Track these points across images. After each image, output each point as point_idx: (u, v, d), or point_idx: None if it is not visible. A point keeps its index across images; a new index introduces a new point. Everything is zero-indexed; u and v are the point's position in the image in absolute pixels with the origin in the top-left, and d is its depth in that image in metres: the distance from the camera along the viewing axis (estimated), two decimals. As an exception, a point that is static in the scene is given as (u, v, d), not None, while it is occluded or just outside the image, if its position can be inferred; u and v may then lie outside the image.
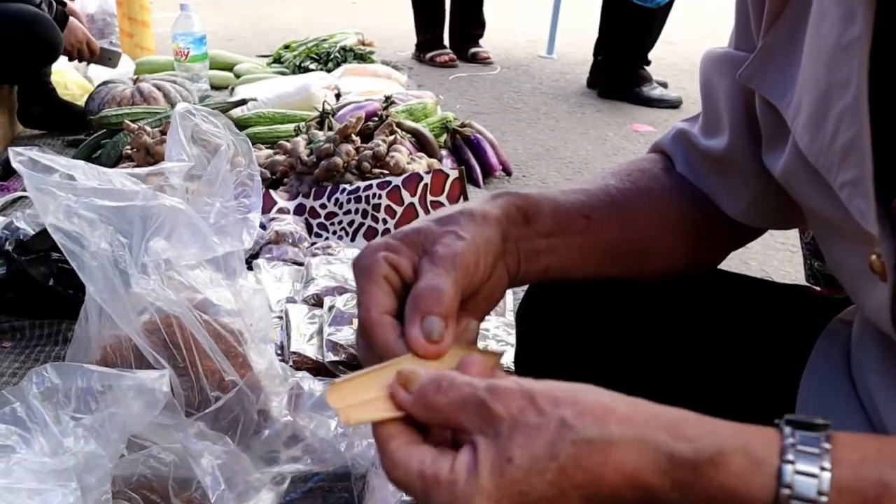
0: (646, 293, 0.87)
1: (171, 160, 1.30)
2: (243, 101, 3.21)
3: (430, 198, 2.36)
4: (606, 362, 0.89)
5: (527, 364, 0.94)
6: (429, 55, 4.93)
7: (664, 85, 4.39)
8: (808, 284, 1.72)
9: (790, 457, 0.48)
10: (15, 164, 1.10)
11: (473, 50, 5.03)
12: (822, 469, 0.47)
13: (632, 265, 0.80)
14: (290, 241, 2.25)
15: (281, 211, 2.40)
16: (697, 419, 0.50)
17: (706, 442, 0.48)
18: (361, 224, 2.35)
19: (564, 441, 0.48)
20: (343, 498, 1.08)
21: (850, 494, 0.47)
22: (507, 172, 3.07)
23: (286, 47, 4.35)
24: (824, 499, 0.47)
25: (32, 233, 1.91)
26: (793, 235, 2.47)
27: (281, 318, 1.83)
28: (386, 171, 2.50)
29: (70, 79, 3.55)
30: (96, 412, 1.12)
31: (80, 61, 3.31)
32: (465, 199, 2.37)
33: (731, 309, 0.89)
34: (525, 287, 0.90)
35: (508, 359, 1.46)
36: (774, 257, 2.54)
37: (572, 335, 0.89)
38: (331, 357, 1.69)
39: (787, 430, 0.50)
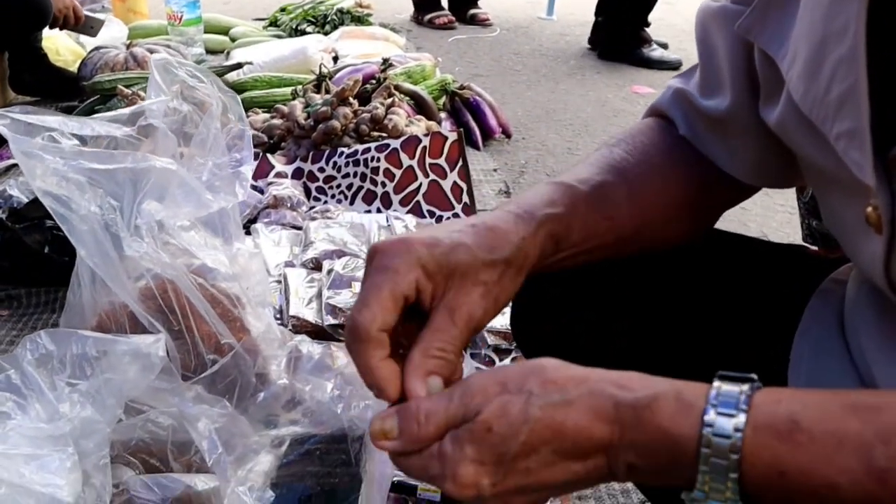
0: (643, 257, 0.85)
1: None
2: (239, 65, 3.18)
3: (428, 160, 2.33)
4: (605, 330, 0.88)
5: (526, 339, 0.94)
6: (427, 17, 4.86)
7: (664, 46, 4.33)
8: (803, 244, 1.71)
9: (714, 401, 0.53)
10: (0, 129, 1.08)
11: (472, 11, 4.97)
12: (740, 410, 0.52)
13: (641, 246, 0.80)
14: (289, 205, 2.24)
15: (279, 175, 2.38)
16: (642, 376, 0.57)
17: (645, 391, 0.55)
18: (360, 187, 2.33)
19: (533, 407, 0.55)
20: (340, 459, 1.07)
21: (764, 430, 0.52)
22: (507, 135, 3.04)
23: (282, 10, 4.28)
24: (739, 434, 0.52)
25: (26, 200, 1.89)
26: (791, 197, 2.44)
27: (279, 282, 1.82)
28: (384, 134, 2.48)
29: (62, 44, 3.50)
30: (92, 378, 1.11)
31: (61, 28, 3.25)
32: (464, 161, 2.35)
33: (727, 269, 0.88)
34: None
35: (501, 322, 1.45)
36: (773, 219, 2.52)
37: (570, 306, 0.88)
38: (330, 320, 1.68)
39: (717, 381, 0.55)
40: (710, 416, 0.53)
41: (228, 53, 3.62)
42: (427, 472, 0.57)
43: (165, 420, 1.18)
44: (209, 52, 3.85)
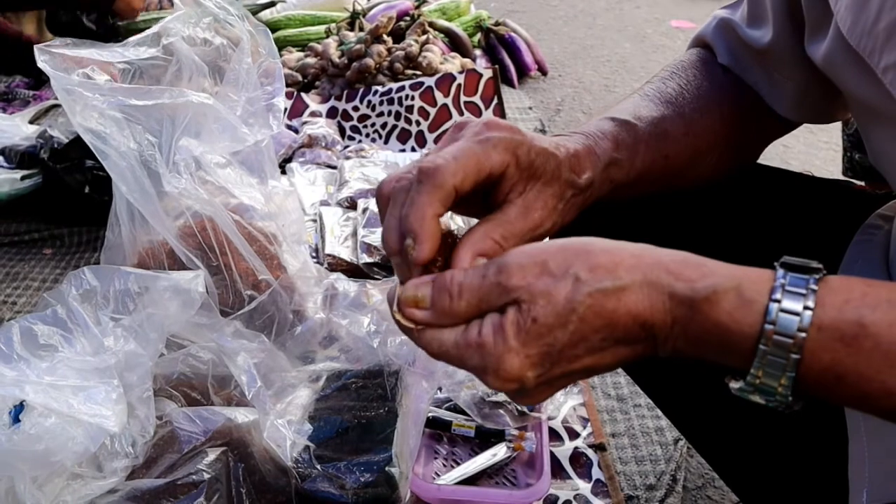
0: (684, 193, 0.85)
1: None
2: (272, 3, 3.15)
3: (463, 98, 2.31)
4: None
5: None
6: (462, -48, 4.76)
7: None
8: (848, 179, 1.67)
9: (778, 296, 0.51)
10: (41, 64, 1.08)
11: (508, -55, 4.85)
12: (806, 308, 0.50)
13: (687, 182, 0.79)
14: (323, 144, 2.24)
15: (313, 114, 2.38)
16: (699, 262, 0.54)
17: (703, 283, 0.52)
18: (395, 126, 2.32)
19: (581, 294, 0.53)
20: (377, 393, 1.09)
21: (828, 332, 0.50)
22: (543, 72, 2.99)
23: (315, -54, 4.22)
24: (803, 335, 0.50)
25: (66, 141, 1.91)
26: (836, 134, 2.39)
27: (315, 220, 1.84)
28: (418, 72, 2.46)
29: (98, -16, 3.49)
30: (134, 313, 1.13)
31: None
32: (500, 99, 2.32)
33: (771, 204, 0.87)
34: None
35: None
36: (816, 156, 2.47)
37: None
38: (365, 258, 1.69)
39: (780, 272, 0.53)
40: (773, 313, 0.51)
41: (262, -9, 3.59)
42: (464, 361, 0.55)
43: (206, 354, 1.20)
44: (242, -10, 3.82)
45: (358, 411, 1.07)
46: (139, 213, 1.23)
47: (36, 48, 1.13)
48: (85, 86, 1.16)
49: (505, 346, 0.53)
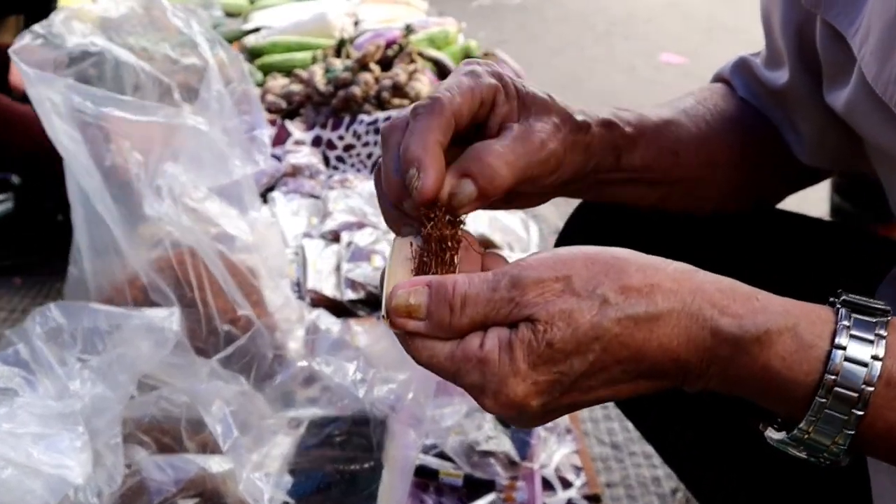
0: (699, 231, 0.80)
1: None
2: (257, 29, 3.10)
3: (451, 129, 2.27)
4: None
5: None
6: (450, -19, 4.75)
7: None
8: (866, 226, 1.65)
9: (842, 341, 0.46)
10: (17, 64, 1.01)
11: (496, -24, 4.85)
12: (874, 358, 0.45)
13: (698, 200, 0.75)
14: (307, 173, 2.19)
15: (297, 143, 2.33)
16: (747, 294, 0.48)
17: (754, 320, 0.46)
18: (380, 156, 2.26)
19: (608, 319, 0.46)
20: (361, 444, 1.02)
21: None
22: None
23: (302, -27, 4.19)
24: (870, 389, 0.44)
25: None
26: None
27: (297, 253, 1.77)
28: (406, 102, 2.41)
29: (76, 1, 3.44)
30: (103, 353, 1.06)
31: None
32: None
33: (789, 249, 0.83)
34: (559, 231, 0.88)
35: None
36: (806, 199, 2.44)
37: None
38: (349, 295, 1.63)
39: (843, 311, 0.47)
40: (836, 361, 0.45)
41: (247, 16, 3.54)
42: (459, 376, 0.48)
43: (179, 397, 1.13)
44: (228, 14, 3.77)
45: (341, 464, 1.00)
46: (105, 244, 1.16)
47: (11, 51, 1.07)
48: (75, 89, 1.10)
49: (511, 368, 0.47)
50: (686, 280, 0.48)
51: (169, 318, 1.12)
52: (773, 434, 0.49)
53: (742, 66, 0.79)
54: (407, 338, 0.50)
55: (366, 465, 1.00)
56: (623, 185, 0.68)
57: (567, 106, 0.61)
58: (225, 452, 1.00)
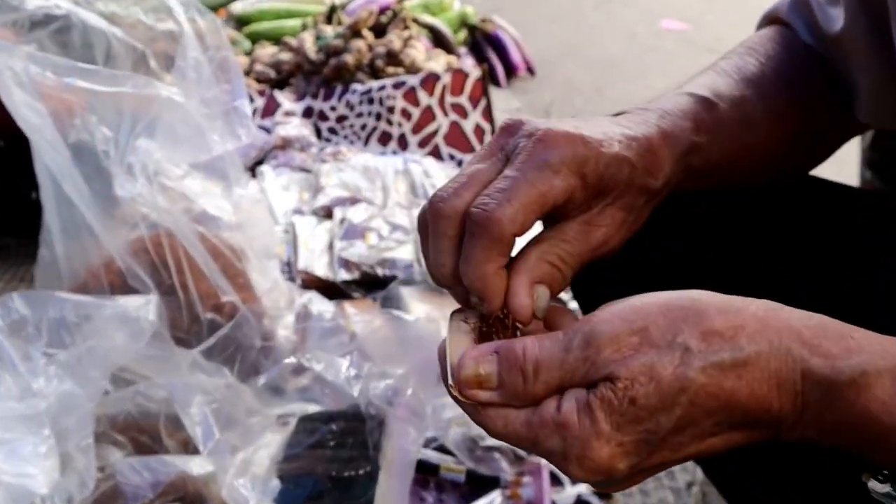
0: (735, 207, 0.71)
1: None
2: (245, -5, 2.99)
3: (449, 99, 2.17)
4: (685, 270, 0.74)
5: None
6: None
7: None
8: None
9: None
10: None
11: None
12: None
13: (756, 175, 0.67)
14: (298, 146, 2.09)
15: (287, 114, 2.24)
16: (840, 331, 0.44)
17: (848, 361, 0.43)
18: (374, 128, 2.17)
19: (692, 369, 0.43)
20: (357, 445, 0.93)
21: None
22: (531, 72, 2.85)
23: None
24: None
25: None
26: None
27: (287, 231, 1.68)
28: (401, 70, 2.33)
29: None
30: (72, 346, 0.97)
31: None
32: (488, 101, 2.18)
33: (826, 218, 0.74)
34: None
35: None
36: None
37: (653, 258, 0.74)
38: (343, 275, 1.54)
39: None
40: None
41: (235, -18, 3.42)
42: (539, 443, 0.45)
43: (157, 392, 1.04)
44: (214, -19, 3.64)
45: (335, 469, 0.91)
46: (77, 225, 1.07)
47: None
48: (35, 59, 0.99)
49: (593, 430, 0.43)
50: (772, 319, 0.44)
51: (145, 306, 1.03)
52: (877, 486, 0.44)
53: (801, 4, 0.70)
54: (479, 408, 0.47)
55: (361, 472, 0.91)
56: (683, 185, 0.61)
57: (651, 150, 0.55)
58: (205, 456, 0.91)
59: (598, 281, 0.61)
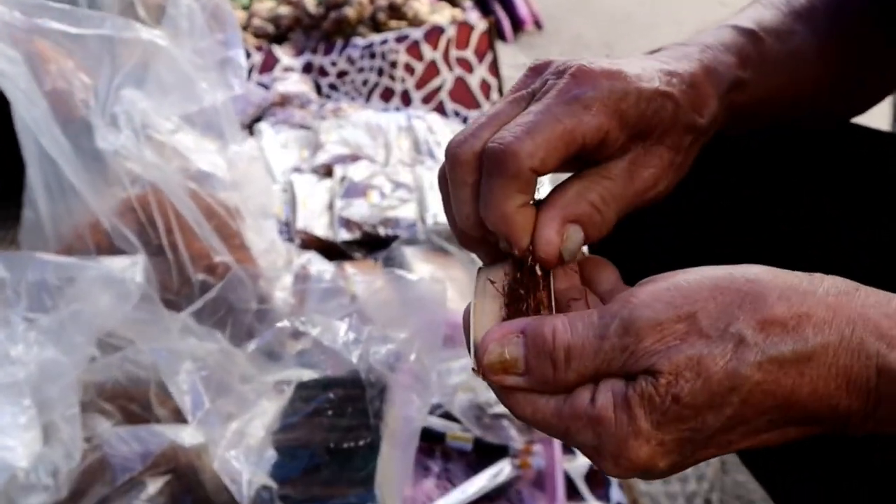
0: (771, 153, 0.65)
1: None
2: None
3: (453, 53, 2.09)
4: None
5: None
6: None
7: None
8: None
9: None
10: None
11: None
12: None
13: (810, 119, 0.62)
14: (297, 102, 2.02)
15: (286, 69, 2.16)
16: None
17: None
18: (376, 83, 2.10)
19: (746, 365, 0.38)
20: (357, 414, 0.88)
21: None
22: (538, 25, 2.76)
23: None
24: None
25: None
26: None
27: (286, 190, 1.61)
28: (404, 23, 2.27)
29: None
30: (54, 310, 0.91)
31: None
32: (494, 55, 2.10)
33: (868, 165, 0.68)
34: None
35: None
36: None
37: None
38: (343, 235, 1.48)
39: None
40: None
41: (232, -64, 3.32)
42: (570, 435, 0.41)
43: (147, 357, 0.99)
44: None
45: (333, 440, 0.86)
46: (61, 185, 1.00)
47: None
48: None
49: (632, 428, 0.39)
50: (843, 305, 0.39)
51: (131, 267, 0.97)
52: None
53: None
54: (505, 391, 0.43)
55: (361, 442, 0.85)
56: (726, 125, 0.56)
57: (694, 86, 0.49)
58: (196, 426, 0.85)
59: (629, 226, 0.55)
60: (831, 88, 0.60)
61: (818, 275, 0.40)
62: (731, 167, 0.65)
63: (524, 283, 0.45)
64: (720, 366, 0.38)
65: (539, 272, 0.45)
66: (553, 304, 0.44)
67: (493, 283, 0.45)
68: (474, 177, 0.45)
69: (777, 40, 0.56)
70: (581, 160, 0.46)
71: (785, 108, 0.58)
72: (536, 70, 0.48)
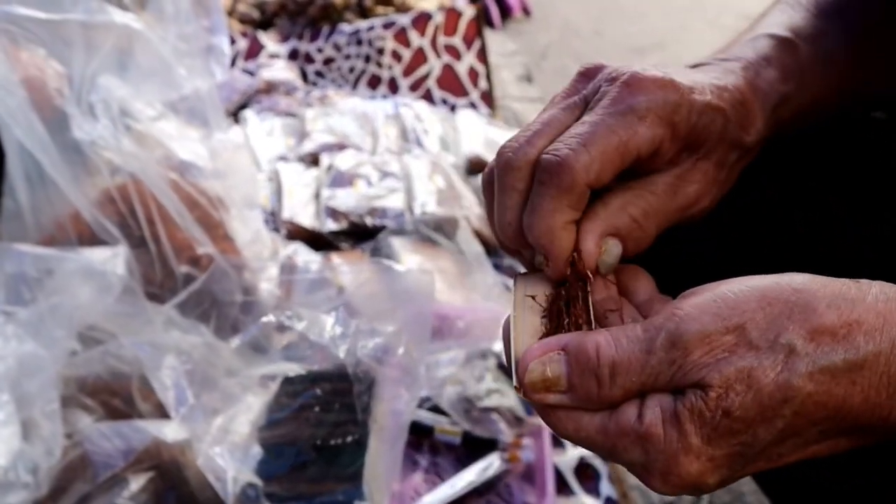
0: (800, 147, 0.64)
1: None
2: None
3: (441, 39, 2.06)
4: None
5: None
6: None
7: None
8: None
9: None
10: None
11: None
12: None
13: (839, 111, 0.60)
14: (283, 90, 2.00)
15: (271, 56, 2.14)
16: None
17: None
18: (363, 70, 2.07)
19: (798, 376, 0.38)
20: (344, 409, 0.86)
21: None
22: (526, 12, 2.74)
23: None
24: None
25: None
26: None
27: (271, 179, 1.59)
28: (391, 9, 2.24)
29: None
30: (33, 304, 0.89)
31: None
32: (483, 42, 2.08)
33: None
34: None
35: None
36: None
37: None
38: (330, 225, 1.46)
39: None
40: None
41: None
42: (617, 452, 0.40)
43: (129, 352, 0.96)
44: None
45: (320, 437, 0.84)
46: (41, 174, 0.98)
47: None
48: None
49: (682, 444, 0.38)
50: (894, 311, 0.38)
51: (112, 259, 0.95)
52: None
53: None
54: (546, 409, 0.42)
55: (349, 439, 0.84)
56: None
57: (743, 102, 0.49)
58: (180, 422, 0.84)
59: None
60: (860, 85, 0.59)
61: (865, 281, 0.40)
62: (756, 168, 0.65)
63: (564, 296, 0.44)
64: (771, 378, 0.38)
65: (578, 286, 0.45)
66: (592, 318, 0.43)
67: (531, 296, 0.45)
68: (525, 184, 0.44)
69: (811, 45, 0.55)
70: (629, 171, 0.46)
71: (820, 112, 0.57)
72: (587, 74, 0.47)
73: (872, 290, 0.39)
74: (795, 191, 0.65)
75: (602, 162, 0.43)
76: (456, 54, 2.07)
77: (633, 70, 0.45)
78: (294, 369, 0.94)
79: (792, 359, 0.37)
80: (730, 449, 0.38)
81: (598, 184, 0.44)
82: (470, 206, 1.50)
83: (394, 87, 2.05)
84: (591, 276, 0.44)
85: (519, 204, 0.45)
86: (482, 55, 2.07)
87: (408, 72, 2.06)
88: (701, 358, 0.38)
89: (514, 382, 0.41)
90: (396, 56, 2.06)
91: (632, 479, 1.11)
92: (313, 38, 2.14)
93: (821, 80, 0.55)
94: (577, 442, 0.42)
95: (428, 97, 2.03)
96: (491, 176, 0.46)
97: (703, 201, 0.48)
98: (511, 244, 0.46)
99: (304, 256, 1.32)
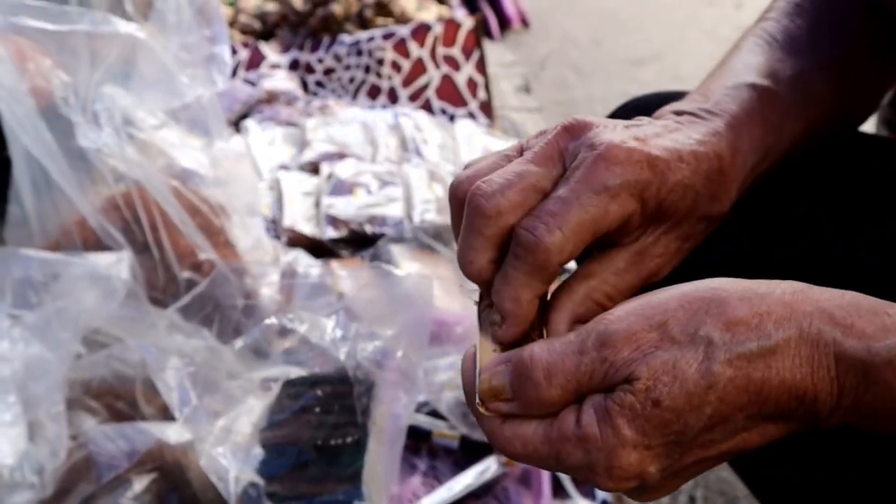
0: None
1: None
2: (229, -56, 2.88)
3: (440, 50, 2.09)
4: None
5: None
6: None
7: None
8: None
9: None
10: None
11: None
12: None
13: (817, 143, 0.62)
14: (284, 100, 2.02)
15: (273, 66, 2.15)
16: (874, 309, 0.42)
17: (885, 341, 0.41)
18: (363, 81, 2.09)
19: (718, 363, 0.41)
20: (344, 412, 0.88)
21: None
22: (525, 23, 2.76)
23: None
24: None
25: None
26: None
27: (272, 188, 1.61)
28: (391, 20, 2.25)
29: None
30: (39, 307, 0.91)
31: None
32: (482, 52, 2.10)
33: (865, 169, 0.69)
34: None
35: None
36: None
37: None
38: (330, 233, 1.48)
39: None
40: None
41: (218, -68, 3.30)
42: (562, 459, 0.43)
43: (133, 355, 0.98)
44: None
45: (321, 437, 0.86)
46: (47, 181, 1.00)
47: None
48: None
49: (617, 438, 0.41)
50: (800, 301, 0.42)
51: (117, 264, 0.97)
52: None
53: None
54: (494, 430, 0.45)
55: (349, 439, 0.85)
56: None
57: (721, 172, 0.50)
58: (183, 423, 0.85)
59: None
60: (844, 110, 0.62)
61: (775, 280, 0.43)
62: None
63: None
64: (694, 367, 0.41)
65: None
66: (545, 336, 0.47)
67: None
68: (492, 231, 0.46)
69: (791, 88, 0.57)
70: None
71: (797, 150, 0.59)
72: (570, 131, 0.48)
73: (781, 286, 0.43)
74: (790, 202, 0.67)
75: (574, 242, 0.45)
76: (455, 65, 2.09)
77: (611, 140, 0.46)
78: (295, 372, 0.96)
79: (711, 349, 0.41)
80: (664, 438, 0.41)
81: (567, 261, 0.46)
82: (468, 214, 1.52)
83: (393, 98, 2.07)
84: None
85: (484, 247, 0.46)
86: (481, 66, 2.10)
87: (407, 82, 2.08)
88: (629, 354, 0.41)
89: (477, 400, 0.44)
90: (396, 67, 2.08)
91: (627, 483, 1.13)
92: (314, 48, 2.16)
93: (802, 122, 0.57)
94: (526, 459, 0.44)
95: (427, 107, 2.05)
96: (460, 202, 0.48)
97: (663, 271, 0.50)
98: (468, 276, 0.48)
99: (304, 263, 1.33)
